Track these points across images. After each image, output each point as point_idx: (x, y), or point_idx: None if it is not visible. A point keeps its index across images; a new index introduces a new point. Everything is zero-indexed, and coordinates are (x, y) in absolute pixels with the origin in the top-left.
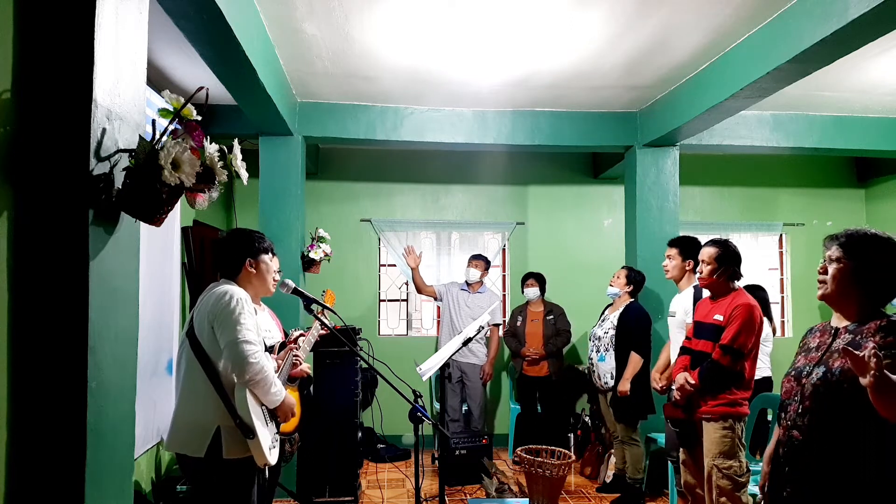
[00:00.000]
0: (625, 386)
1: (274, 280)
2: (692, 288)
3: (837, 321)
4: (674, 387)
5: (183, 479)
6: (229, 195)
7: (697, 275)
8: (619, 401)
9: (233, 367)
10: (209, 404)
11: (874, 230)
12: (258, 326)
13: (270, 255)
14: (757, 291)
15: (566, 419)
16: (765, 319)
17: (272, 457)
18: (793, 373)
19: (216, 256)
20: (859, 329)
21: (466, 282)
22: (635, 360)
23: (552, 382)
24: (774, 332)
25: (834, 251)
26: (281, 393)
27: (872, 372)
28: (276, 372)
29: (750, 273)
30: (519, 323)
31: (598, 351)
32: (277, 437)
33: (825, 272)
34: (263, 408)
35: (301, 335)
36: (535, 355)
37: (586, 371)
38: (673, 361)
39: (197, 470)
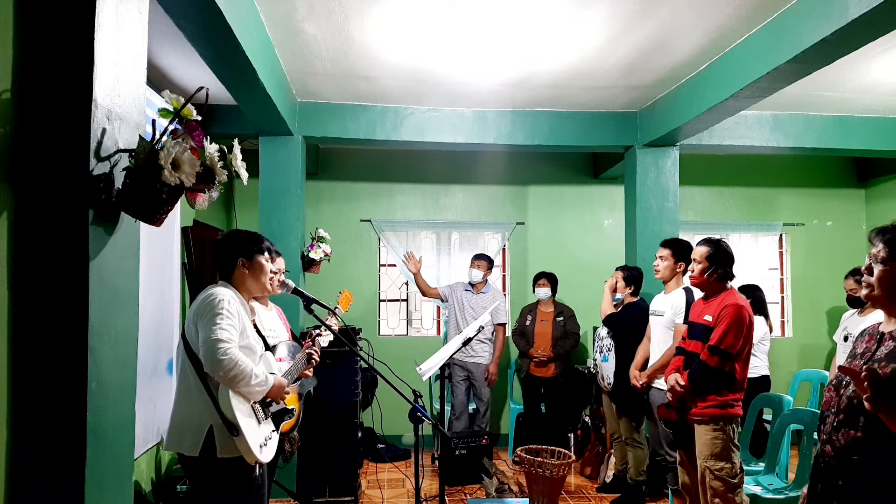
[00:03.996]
0: (642, 379)
1: (279, 280)
2: (683, 290)
3: (886, 324)
4: (665, 387)
5: (183, 479)
6: (229, 195)
7: (689, 273)
8: (622, 395)
9: (205, 365)
10: (201, 403)
11: None
12: (247, 326)
13: (267, 255)
14: (753, 291)
15: (567, 420)
16: (761, 319)
17: (264, 455)
18: (834, 382)
19: (214, 257)
20: None
21: (470, 282)
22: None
23: (558, 384)
24: (771, 329)
25: (881, 250)
26: (264, 383)
27: (865, 395)
28: (286, 373)
29: (750, 273)
30: (528, 322)
31: (601, 351)
32: (274, 434)
33: (870, 272)
34: (255, 405)
35: (319, 334)
36: (543, 357)
37: (587, 372)
38: (652, 361)
39: (193, 468)
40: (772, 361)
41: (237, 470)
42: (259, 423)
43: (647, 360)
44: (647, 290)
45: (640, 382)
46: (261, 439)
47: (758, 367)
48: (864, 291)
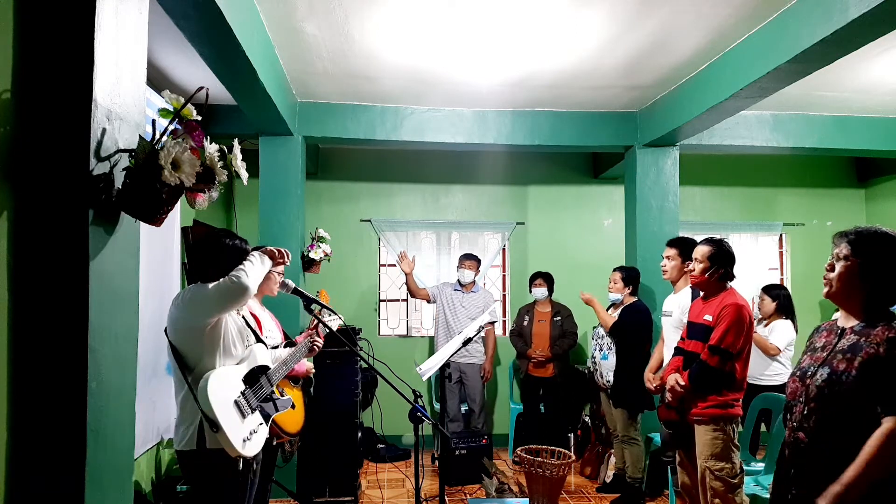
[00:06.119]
0: (656, 381)
1: (275, 284)
2: (689, 288)
3: (844, 320)
4: (666, 388)
5: (183, 479)
6: (229, 195)
7: (689, 272)
8: (621, 391)
9: (230, 299)
10: (189, 398)
11: (886, 229)
12: (230, 327)
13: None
14: (779, 291)
15: (569, 420)
16: (789, 323)
17: (247, 449)
18: (798, 373)
19: (209, 258)
20: (866, 331)
21: (459, 282)
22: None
23: (557, 383)
24: (797, 331)
25: (842, 248)
26: (255, 262)
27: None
28: (283, 362)
29: (750, 273)
30: (525, 323)
31: (600, 349)
32: (262, 427)
33: (832, 269)
34: (241, 398)
35: (322, 321)
36: (542, 357)
37: (586, 371)
38: (667, 361)
39: (189, 463)
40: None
41: (225, 461)
42: (244, 416)
43: (661, 363)
44: (647, 289)
45: (655, 385)
46: (245, 433)
47: (780, 374)
48: (824, 289)
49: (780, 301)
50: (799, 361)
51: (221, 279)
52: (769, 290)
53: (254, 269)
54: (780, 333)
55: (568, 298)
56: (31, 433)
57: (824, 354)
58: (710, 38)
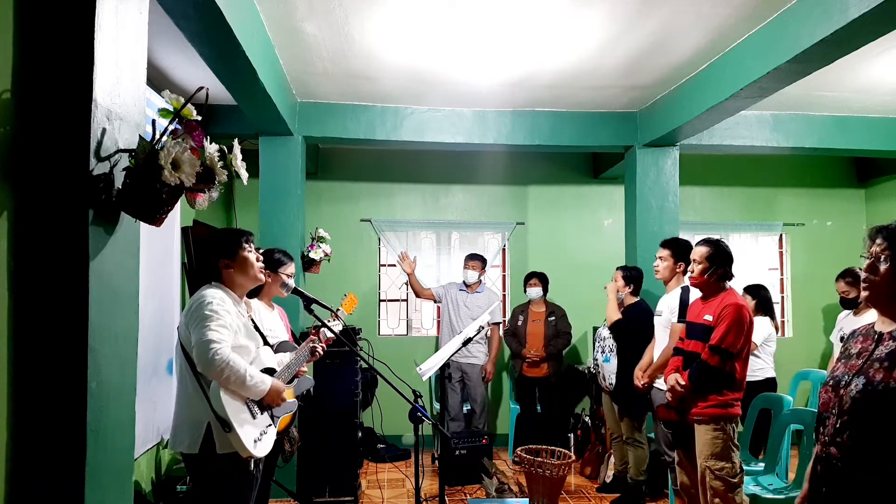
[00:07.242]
0: (644, 379)
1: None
2: (679, 289)
3: (882, 325)
4: (665, 387)
5: (183, 479)
6: (229, 195)
7: (689, 274)
8: (624, 395)
9: (198, 366)
10: (198, 401)
11: None
12: (241, 326)
13: (248, 245)
14: (759, 291)
15: (566, 419)
16: (767, 319)
17: (258, 450)
18: (831, 382)
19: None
20: None
21: (464, 282)
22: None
23: (551, 383)
24: (777, 329)
25: (885, 248)
26: (262, 383)
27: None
28: (287, 366)
29: (750, 273)
30: (520, 322)
31: (603, 352)
32: (271, 428)
33: (872, 270)
34: (249, 399)
35: (325, 325)
36: (536, 357)
37: (587, 372)
38: (655, 359)
39: (194, 466)
40: (775, 362)
41: (236, 465)
42: (254, 417)
43: (652, 361)
44: (648, 289)
45: (642, 382)
46: (255, 434)
47: (762, 369)
48: (864, 293)
49: (760, 301)
50: (832, 369)
51: (217, 350)
52: (750, 289)
53: (239, 374)
54: (755, 330)
55: (567, 298)
56: (31, 433)
57: (860, 362)
58: (710, 38)
